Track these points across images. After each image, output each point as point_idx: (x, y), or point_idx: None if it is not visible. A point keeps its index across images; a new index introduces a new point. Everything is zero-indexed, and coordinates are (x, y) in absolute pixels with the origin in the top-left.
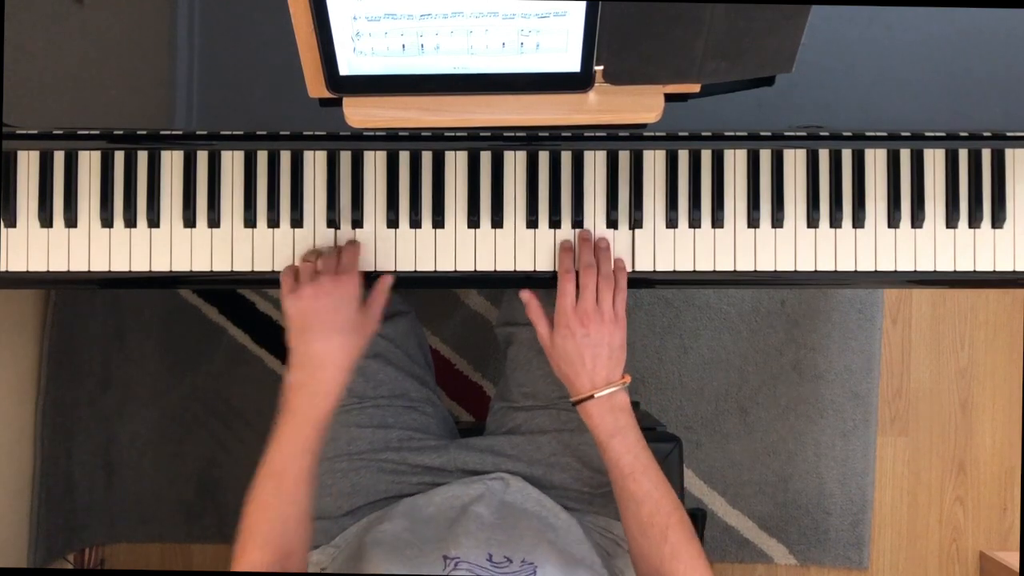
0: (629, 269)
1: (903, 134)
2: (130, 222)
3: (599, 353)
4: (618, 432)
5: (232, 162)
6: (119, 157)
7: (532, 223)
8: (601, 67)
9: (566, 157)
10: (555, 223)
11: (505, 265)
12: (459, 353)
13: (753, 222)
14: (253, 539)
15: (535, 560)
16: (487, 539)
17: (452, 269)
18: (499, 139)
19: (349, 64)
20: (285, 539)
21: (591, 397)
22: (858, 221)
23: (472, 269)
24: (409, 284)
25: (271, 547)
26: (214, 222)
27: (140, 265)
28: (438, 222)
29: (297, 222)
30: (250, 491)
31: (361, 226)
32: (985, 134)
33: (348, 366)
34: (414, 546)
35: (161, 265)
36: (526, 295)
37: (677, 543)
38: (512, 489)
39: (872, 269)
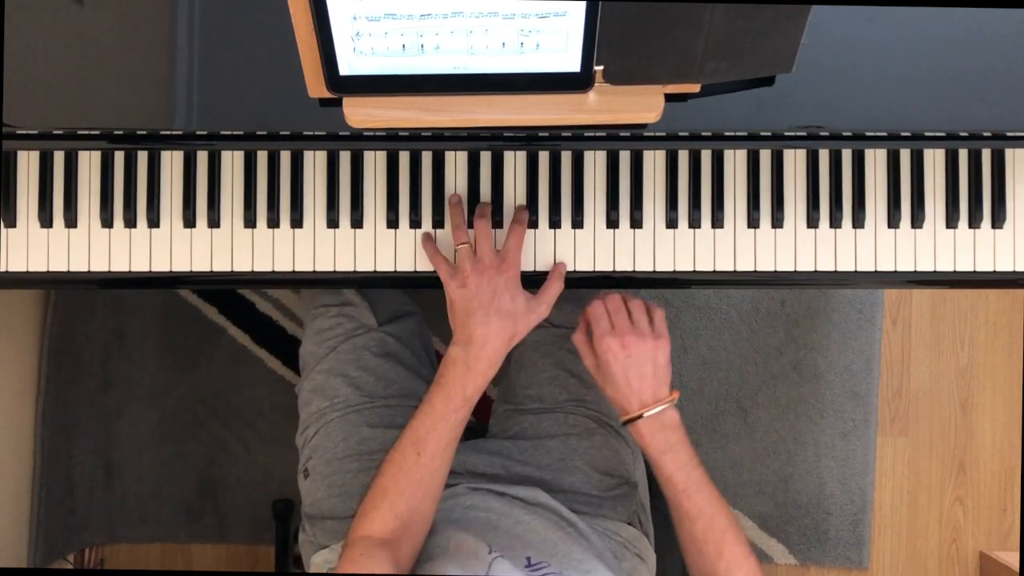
0: (628, 269)
1: (903, 134)
2: (130, 222)
3: (644, 372)
4: (669, 450)
5: (232, 162)
6: (119, 157)
7: (532, 223)
8: (601, 67)
9: (566, 157)
10: (555, 223)
11: None
12: None
13: (753, 222)
14: (386, 500)
15: (569, 574)
16: (523, 544)
17: None
18: (499, 139)
19: (349, 64)
20: (411, 507)
21: (640, 417)
22: (858, 221)
23: None
24: (409, 284)
25: (397, 512)
26: (214, 222)
27: (140, 265)
28: (438, 222)
29: (297, 222)
30: (389, 454)
31: (361, 226)
32: (985, 134)
33: (504, 349)
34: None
35: (161, 265)
36: (579, 340)
37: (732, 559)
38: (540, 500)
39: (872, 269)
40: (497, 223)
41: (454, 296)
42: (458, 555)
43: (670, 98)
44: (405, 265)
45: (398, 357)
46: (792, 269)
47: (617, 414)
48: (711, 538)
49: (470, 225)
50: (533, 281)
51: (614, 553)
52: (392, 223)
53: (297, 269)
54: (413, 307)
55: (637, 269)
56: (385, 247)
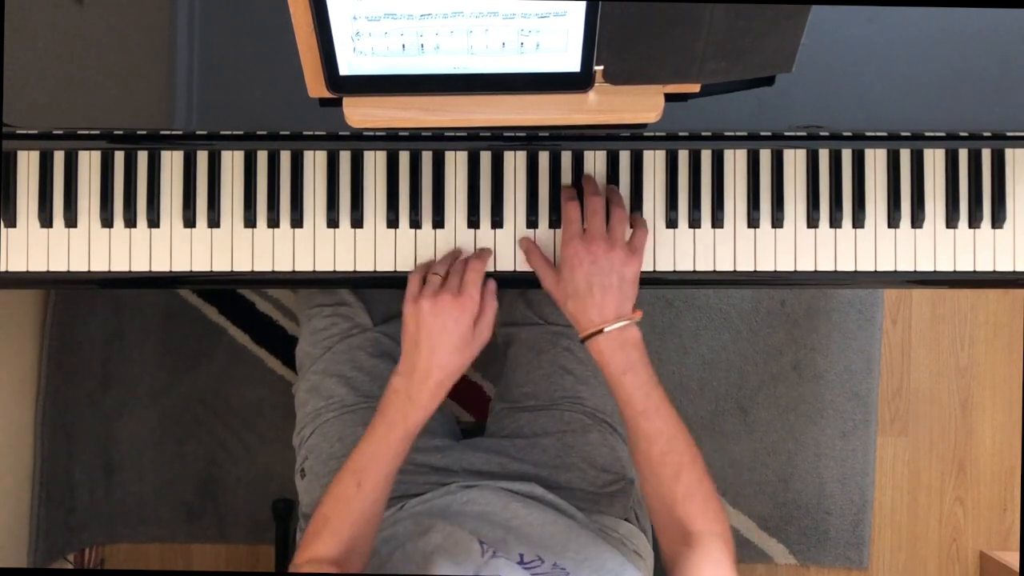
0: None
1: (903, 134)
2: (130, 222)
3: (608, 283)
4: (630, 368)
5: (232, 162)
6: (119, 157)
7: (532, 223)
8: (601, 67)
9: (566, 157)
10: (555, 223)
11: (505, 265)
12: None
13: (753, 222)
14: (328, 527)
15: (566, 565)
16: (516, 539)
17: None
18: (499, 139)
19: (349, 64)
20: (354, 534)
21: (600, 332)
22: (858, 221)
23: None
24: None
25: (341, 539)
26: (214, 222)
27: (140, 265)
28: (438, 222)
29: (297, 222)
30: (331, 485)
31: (361, 226)
32: (985, 134)
33: (447, 383)
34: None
35: (161, 265)
36: (526, 243)
37: (690, 483)
38: (536, 494)
39: (872, 269)
40: (497, 223)
41: (407, 321)
42: (453, 552)
43: (670, 98)
44: (405, 265)
45: (394, 357)
46: (792, 269)
47: (612, 408)
48: (669, 460)
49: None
50: (534, 281)
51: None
52: (392, 223)
53: (297, 269)
54: None
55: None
56: (385, 247)
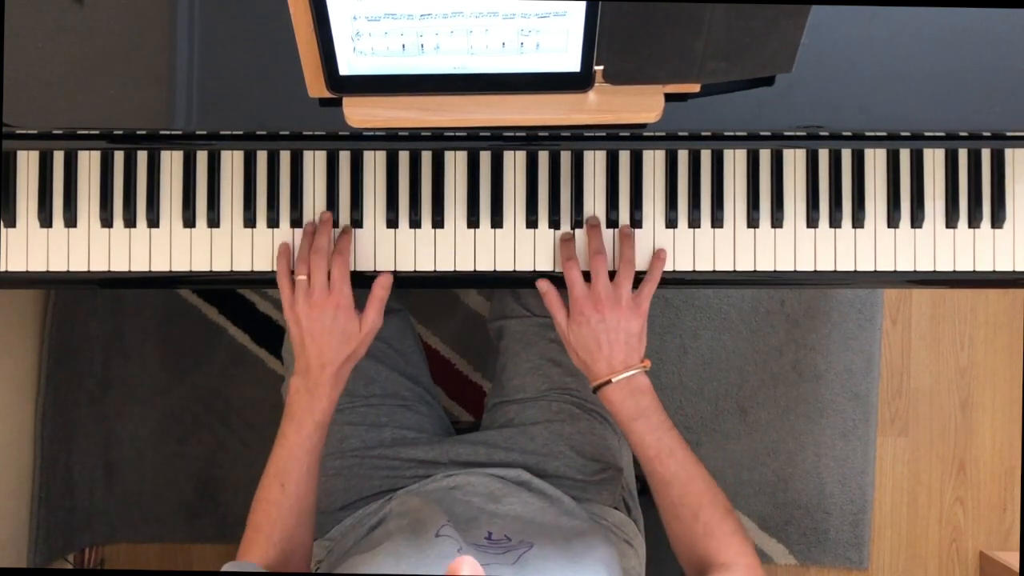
0: None
1: (903, 134)
2: (130, 222)
3: (615, 338)
4: (640, 415)
5: (232, 162)
6: (119, 157)
7: (532, 223)
8: (601, 67)
9: (566, 157)
10: (555, 223)
11: (505, 265)
12: (458, 353)
13: (753, 222)
14: (259, 536)
15: (533, 540)
16: (490, 519)
17: (451, 269)
18: (499, 139)
19: (349, 64)
20: (288, 536)
21: (609, 382)
22: (858, 221)
23: (472, 269)
24: (409, 284)
25: (276, 544)
26: (214, 222)
27: (140, 265)
28: (438, 222)
29: (297, 222)
30: (257, 491)
31: (361, 226)
32: (985, 134)
33: (343, 371)
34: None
35: (161, 265)
36: (544, 285)
37: (709, 521)
38: (523, 479)
39: (872, 269)
40: (497, 223)
41: (291, 327)
42: (415, 523)
43: (670, 98)
44: (405, 265)
45: (380, 357)
46: (792, 269)
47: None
48: (687, 502)
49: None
50: (533, 281)
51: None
52: (392, 223)
53: None
54: (398, 304)
55: (637, 269)
56: (385, 247)
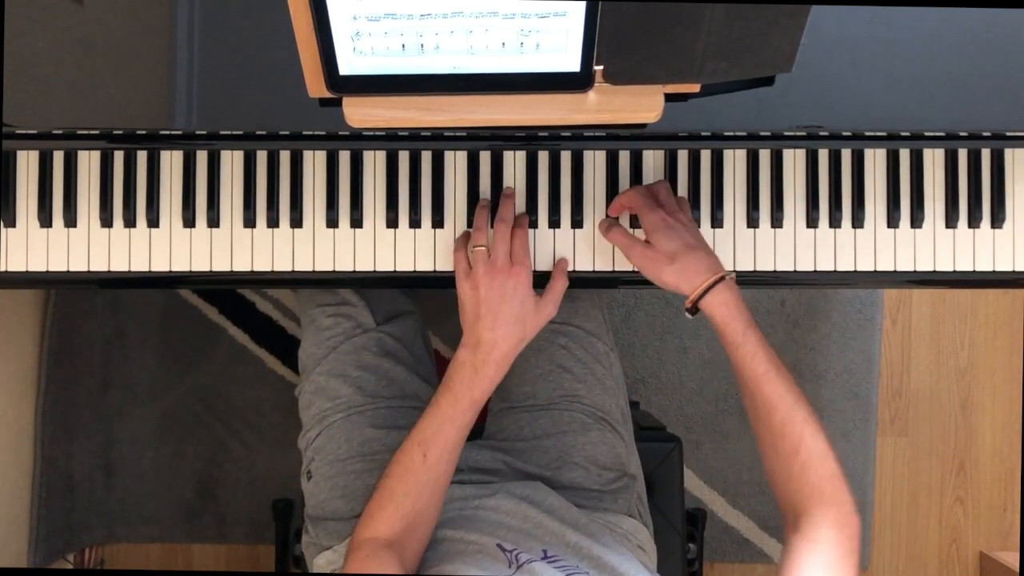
0: (629, 268)
1: (902, 134)
2: (129, 222)
3: (697, 238)
4: (751, 325)
5: (232, 162)
6: (119, 157)
7: (532, 223)
8: (601, 67)
9: (566, 157)
10: (555, 223)
11: None
12: None
13: (752, 222)
14: (390, 504)
15: (580, 565)
16: (536, 539)
17: (452, 269)
18: (499, 139)
19: (349, 64)
20: (418, 510)
21: (721, 279)
22: (857, 221)
23: None
24: (409, 284)
25: (403, 514)
26: (214, 222)
27: (140, 265)
28: (438, 222)
29: (297, 222)
30: (395, 455)
31: (361, 226)
32: (984, 134)
33: (512, 353)
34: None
35: (161, 265)
36: (605, 224)
37: (808, 460)
38: (542, 495)
39: (871, 269)
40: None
41: (465, 298)
42: (477, 557)
43: (670, 98)
44: (405, 265)
45: (398, 357)
46: (792, 269)
47: (610, 407)
48: (788, 431)
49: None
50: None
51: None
52: (392, 223)
53: (297, 269)
54: (410, 306)
55: (637, 269)
56: (385, 247)
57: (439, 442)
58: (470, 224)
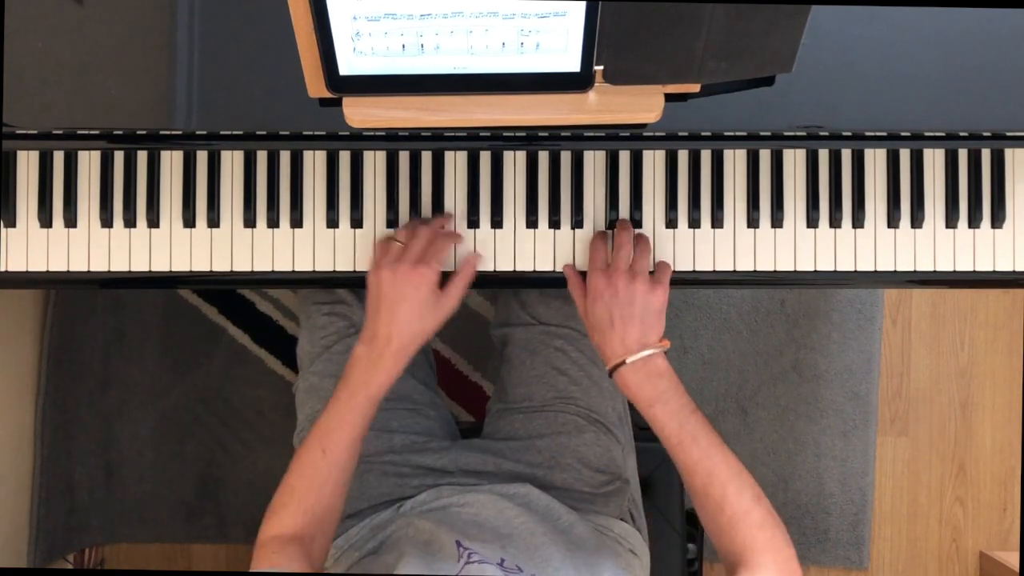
0: None
1: (903, 134)
2: (130, 222)
3: (630, 314)
4: (658, 400)
5: (232, 162)
6: (119, 157)
7: (532, 223)
8: (601, 67)
9: (566, 157)
10: (555, 223)
11: (505, 265)
12: (458, 353)
13: (753, 222)
14: (292, 500)
15: (543, 571)
16: (502, 544)
17: (452, 269)
18: (499, 139)
19: (349, 64)
20: (321, 504)
21: (623, 363)
22: (858, 221)
23: None
24: None
25: (306, 510)
26: (214, 222)
27: (140, 265)
28: None
29: (297, 222)
30: (297, 451)
31: (361, 226)
32: (985, 134)
33: (408, 350)
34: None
35: (161, 265)
36: (568, 269)
37: (734, 514)
38: (531, 498)
39: (872, 269)
40: (497, 223)
41: (369, 286)
42: (426, 547)
43: (670, 98)
44: None
45: None
46: (792, 269)
47: (606, 409)
48: (711, 492)
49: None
50: (534, 280)
51: (612, 550)
52: (392, 223)
53: (297, 269)
54: None
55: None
56: None
57: (338, 437)
58: (470, 224)
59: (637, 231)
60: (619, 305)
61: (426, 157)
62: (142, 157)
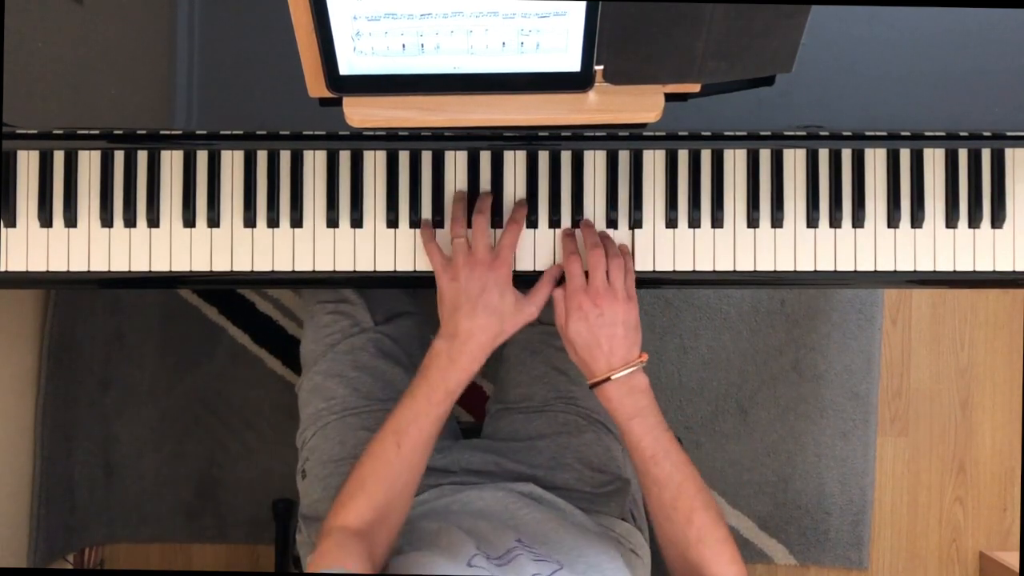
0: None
1: (903, 134)
2: (130, 222)
3: (615, 333)
4: (637, 414)
5: (232, 162)
6: (119, 157)
7: (532, 223)
8: (601, 67)
9: (566, 157)
10: (555, 223)
11: None
12: None
13: (753, 222)
14: (364, 490)
15: (561, 559)
16: (515, 534)
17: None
18: (499, 139)
19: (349, 64)
20: (389, 501)
21: (608, 379)
22: (858, 221)
23: None
24: (409, 284)
25: (374, 504)
26: (214, 222)
27: (140, 265)
28: (438, 222)
29: (297, 222)
30: (369, 445)
31: (361, 226)
32: (985, 134)
33: (489, 345)
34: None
35: (161, 265)
36: (557, 293)
37: (703, 527)
38: (536, 495)
39: (872, 269)
40: (496, 223)
41: (444, 288)
42: (447, 549)
43: (670, 98)
44: (405, 265)
45: (395, 358)
46: (792, 269)
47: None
48: (680, 506)
49: (470, 222)
50: (532, 281)
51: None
52: (392, 223)
53: (297, 269)
54: (413, 307)
55: (637, 269)
56: (385, 247)
57: (414, 432)
58: (471, 224)
59: (601, 231)
60: (605, 325)
61: (426, 157)
62: (142, 157)
